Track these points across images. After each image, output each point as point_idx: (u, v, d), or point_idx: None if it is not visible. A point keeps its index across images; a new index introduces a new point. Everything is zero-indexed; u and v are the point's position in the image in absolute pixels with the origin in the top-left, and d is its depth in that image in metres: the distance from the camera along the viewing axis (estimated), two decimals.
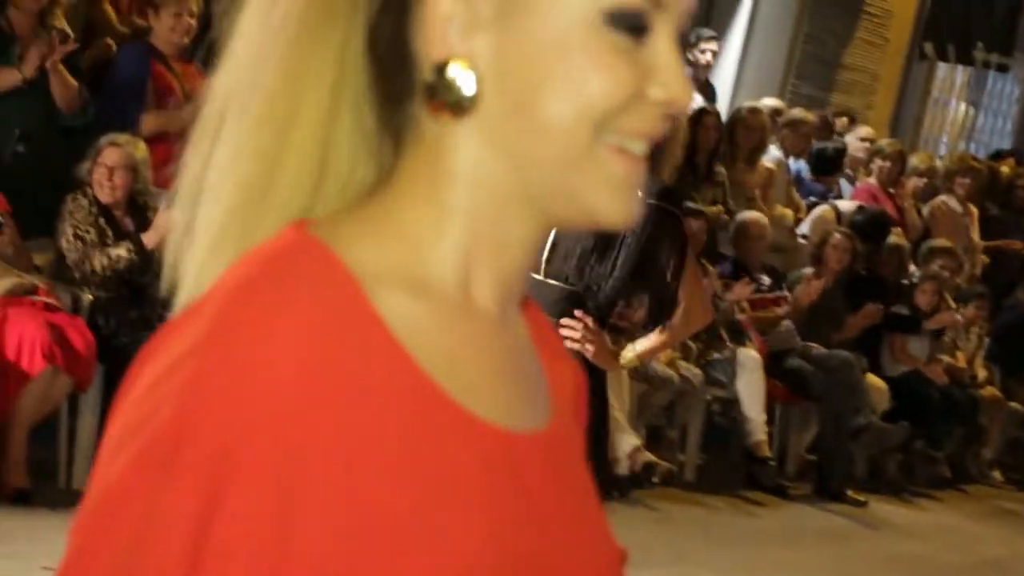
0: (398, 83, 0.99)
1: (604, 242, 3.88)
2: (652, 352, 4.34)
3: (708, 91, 10.64)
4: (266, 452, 0.87)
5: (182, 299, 1.02)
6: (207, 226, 1.01)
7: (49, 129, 7.18)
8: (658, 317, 4.13)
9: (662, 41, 0.96)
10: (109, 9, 8.04)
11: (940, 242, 10.01)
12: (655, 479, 7.54)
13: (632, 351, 4.21)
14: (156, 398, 0.89)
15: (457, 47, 0.95)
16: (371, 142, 1.00)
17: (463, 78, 0.95)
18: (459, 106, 0.95)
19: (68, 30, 7.21)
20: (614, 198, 0.97)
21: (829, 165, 10.53)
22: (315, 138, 0.98)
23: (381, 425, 0.91)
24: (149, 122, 6.91)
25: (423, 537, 0.92)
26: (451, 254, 0.99)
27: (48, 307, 6.15)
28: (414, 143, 1.01)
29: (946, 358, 9.59)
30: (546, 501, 1.02)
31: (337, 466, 0.89)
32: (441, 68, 0.95)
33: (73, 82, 7.11)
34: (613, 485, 7.29)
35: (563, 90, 0.95)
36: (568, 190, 0.98)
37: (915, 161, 11.16)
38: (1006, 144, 13.62)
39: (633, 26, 0.94)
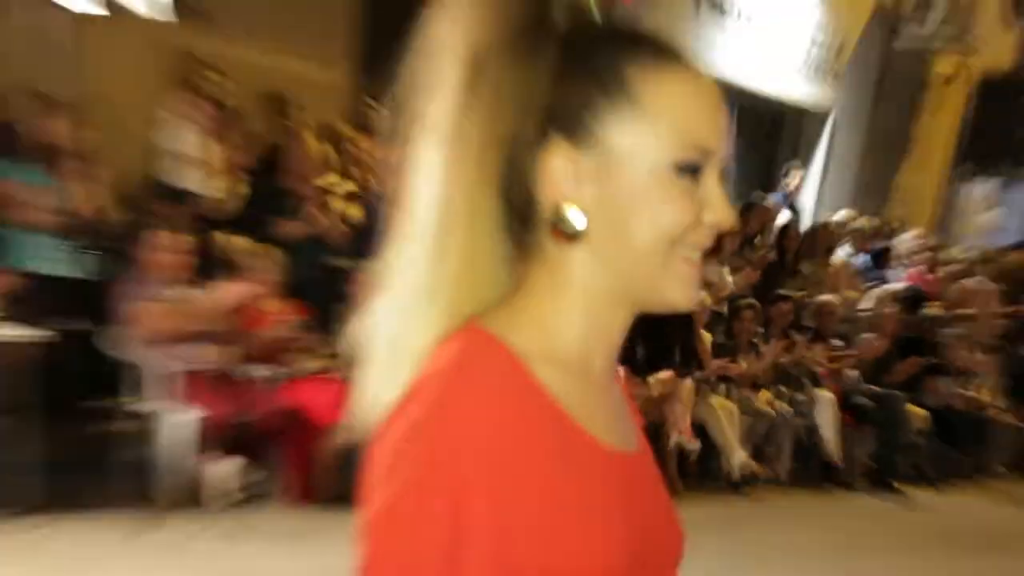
0: (525, 219, 1.19)
1: None
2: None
3: (795, 209, 11.19)
4: (482, 480, 1.07)
5: (375, 379, 1.21)
6: (393, 319, 1.20)
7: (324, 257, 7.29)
8: None
9: (711, 180, 1.16)
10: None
11: (966, 311, 10.67)
12: (758, 481, 8.43)
13: None
14: (403, 450, 1.10)
15: (570, 194, 1.15)
16: (506, 260, 1.21)
17: (576, 216, 1.15)
18: (574, 236, 1.15)
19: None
20: (684, 291, 1.18)
21: (881, 260, 11.21)
22: (469, 260, 1.16)
23: (550, 454, 1.13)
24: None
25: (587, 535, 1.14)
26: (575, 339, 1.22)
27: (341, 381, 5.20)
28: (539, 260, 1.21)
29: (969, 391, 10.24)
30: (645, 500, 1.25)
31: (525, 483, 1.09)
32: (558, 209, 1.15)
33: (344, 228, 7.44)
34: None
35: (646, 222, 1.15)
36: (653, 288, 1.19)
37: (953, 253, 11.81)
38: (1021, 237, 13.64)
39: (690, 172, 1.14)
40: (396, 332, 1.20)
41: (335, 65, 8.51)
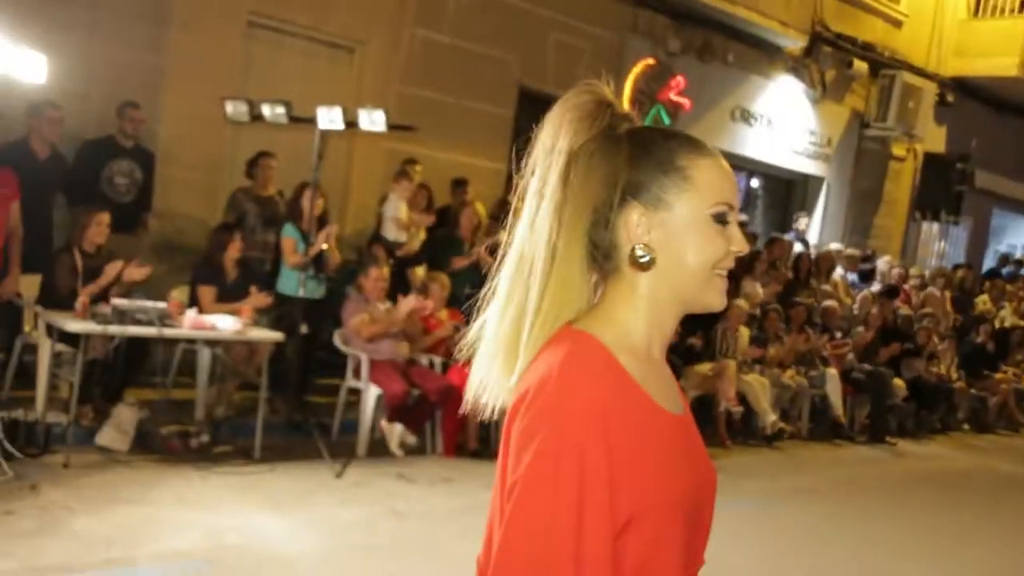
0: (608, 255, 1.08)
1: None
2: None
3: (805, 243, 10.50)
4: (599, 444, 0.95)
5: (492, 367, 1.08)
6: (507, 325, 1.06)
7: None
8: None
9: (733, 225, 1.09)
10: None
11: (928, 311, 10.03)
12: (785, 436, 7.72)
13: None
14: (537, 425, 0.96)
15: (643, 238, 1.06)
16: (589, 283, 1.09)
17: (647, 253, 1.06)
18: (646, 266, 1.06)
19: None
20: (719, 297, 1.10)
21: (867, 276, 10.52)
22: (566, 283, 1.05)
23: (633, 415, 1.00)
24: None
25: (662, 477, 1.01)
26: (642, 334, 1.08)
27: None
28: (616, 281, 1.09)
29: (934, 368, 9.58)
30: (695, 451, 1.10)
31: (624, 441, 0.97)
32: (635, 249, 1.06)
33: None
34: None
35: (696, 254, 1.07)
36: (699, 296, 1.09)
37: (914, 271, 11.17)
38: (960, 259, 13.39)
39: (721, 220, 1.08)
40: (509, 334, 1.06)
41: (497, 159, 8.18)
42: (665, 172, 1.08)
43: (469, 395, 1.10)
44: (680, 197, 1.08)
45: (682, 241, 1.07)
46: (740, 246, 1.11)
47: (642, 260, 1.06)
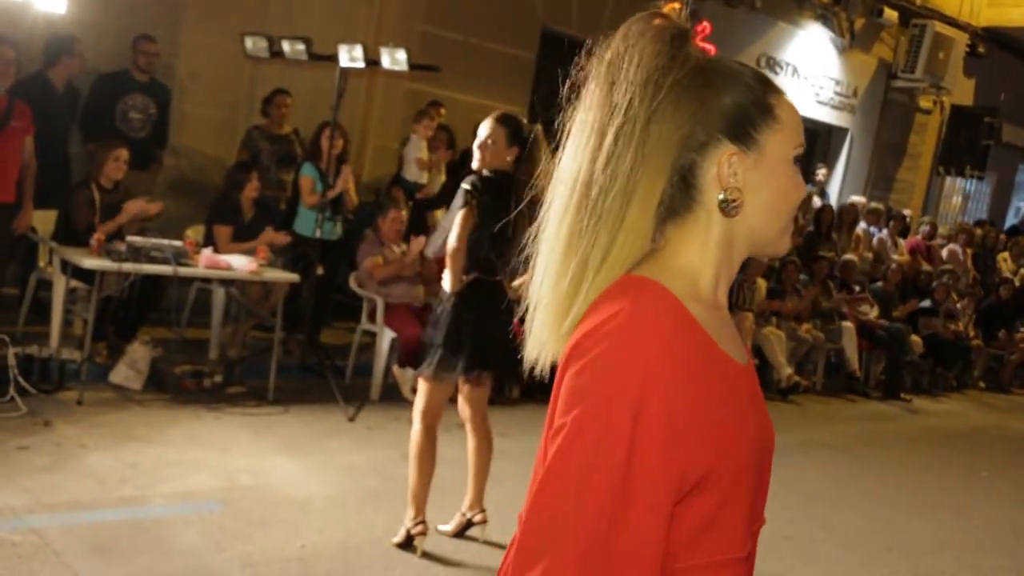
0: (688, 195, 0.99)
1: (504, 237, 3.22)
2: (451, 277, 3.38)
3: (824, 194, 10.42)
4: (657, 397, 0.87)
5: (548, 315, 0.98)
6: (571, 272, 0.96)
7: None
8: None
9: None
10: None
11: (948, 267, 9.76)
12: (800, 390, 7.58)
13: (445, 278, 3.41)
14: (594, 373, 0.89)
15: (732, 181, 0.98)
16: (655, 226, 0.98)
17: (736, 198, 0.98)
18: (734, 212, 0.98)
19: None
20: (788, 242, 1.06)
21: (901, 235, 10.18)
22: (636, 228, 0.96)
23: (705, 368, 0.93)
24: None
25: (735, 436, 0.95)
26: (710, 281, 1.00)
27: None
28: (688, 223, 1.00)
29: (952, 325, 9.31)
30: (759, 403, 1.03)
31: (691, 398, 0.90)
32: (725, 192, 0.98)
33: None
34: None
35: (784, 199, 1.01)
36: (773, 241, 1.03)
37: (942, 230, 10.86)
38: (983, 215, 13.09)
39: (798, 162, 1.03)
40: (571, 282, 0.96)
41: (515, 103, 7.87)
42: (758, 110, 1.00)
43: (528, 351, 1.01)
44: (770, 137, 1.00)
45: (770, 184, 1.00)
46: (804, 190, 1.07)
47: (733, 205, 0.99)
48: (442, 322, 3.46)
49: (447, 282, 3.43)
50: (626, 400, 0.87)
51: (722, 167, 0.98)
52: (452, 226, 3.38)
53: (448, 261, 3.39)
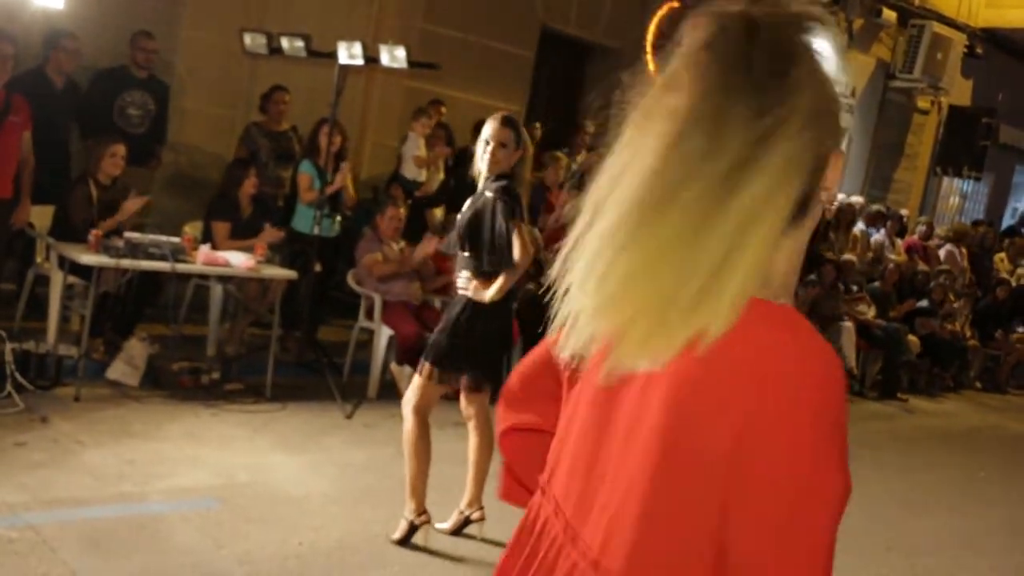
0: (805, 203, 0.88)
1: (476, 232, 3.38)
2: (501, 288, 3.37)
3: None
4: (835, 401, 0.83)
5: (640, 330, 0.85)
6: (660, 288, 0.84)
7: None
8: (501, 264, 3.37)
9: None
10: None
11: (945, 267, 9.74)
12: None
13: (492, 289, 3.38)
14: (823, 413, 0.83)
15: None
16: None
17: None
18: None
19: None
20: None
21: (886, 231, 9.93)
22: (768, 241, 0.84)
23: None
24: None
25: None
26: (791, 293, 0.92)
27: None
28: (792, 235, 0.89)
29: (948, 325, 9.29)
30: None
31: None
32: (830, 196, 0.91)
33: None
34: None
35: (831, 194, 0.92)
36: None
37: (940, 231, 10.84)
38: (980, 216, 12.99)
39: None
40: (664, 295, 0.84)
41: (514, 101, 7.97)
42: (839, 106, 0.94)
43: (560, 349, 0.94)
44: (836, 133, 0.94)
45: (829, 180, 0.92)
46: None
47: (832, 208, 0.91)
48: (460, 328, 3.47)
49: (491, 292, 3.42)
50: (843, 429, 0.86)
51: (835, 169, 0.91)
52: (502, 235, 3.36)
53: (508, 274, 3.39)
